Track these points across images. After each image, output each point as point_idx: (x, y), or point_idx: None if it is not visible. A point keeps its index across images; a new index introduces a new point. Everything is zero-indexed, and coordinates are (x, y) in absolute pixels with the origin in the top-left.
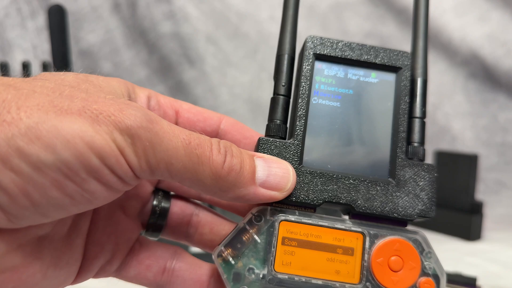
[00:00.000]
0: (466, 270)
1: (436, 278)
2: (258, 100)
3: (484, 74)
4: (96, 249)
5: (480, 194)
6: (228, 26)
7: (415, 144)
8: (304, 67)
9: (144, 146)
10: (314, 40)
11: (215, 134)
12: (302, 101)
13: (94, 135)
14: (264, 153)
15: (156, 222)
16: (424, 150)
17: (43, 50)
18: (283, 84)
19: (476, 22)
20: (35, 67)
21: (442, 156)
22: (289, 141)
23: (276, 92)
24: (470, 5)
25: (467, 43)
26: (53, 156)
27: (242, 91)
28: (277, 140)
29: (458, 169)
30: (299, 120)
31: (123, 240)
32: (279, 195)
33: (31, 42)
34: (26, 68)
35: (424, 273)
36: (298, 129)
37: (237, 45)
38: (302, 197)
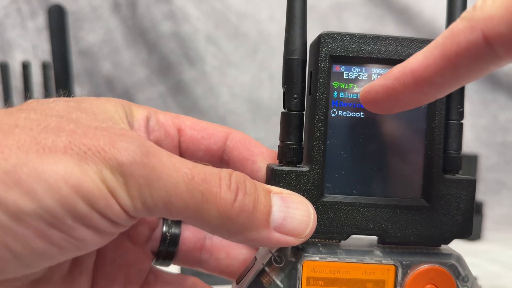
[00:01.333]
0: None
1: None
2: (258, 100)
3: None
4: (105, 283)
5: (480, 194)
6: (228, 26)
7: (452, 153)
8: (319, 72)
9: (138, 185)
10: (330, 37)
11: (221, 151)
12: (318, 117)
13: (81, 177)
14: (278, 186)
15: (167, 250)
16: (461, 159)
17: (43, 50)
18: (295, 97)
19: None
20: (35, 67)
21: None
22: (307, 169)
23: (287, 108)
24: (470, 5)
25: None
26: (34, 203)
27: (242, 91)
28: (293, 170)
29: None
30: (317, 142)
31: (134, 271)
32: (295, 241)
33: (31, 42)
34: (26, 68)
35: None
36: (316, 154)
37: (237, 45)
38: (325, 232)
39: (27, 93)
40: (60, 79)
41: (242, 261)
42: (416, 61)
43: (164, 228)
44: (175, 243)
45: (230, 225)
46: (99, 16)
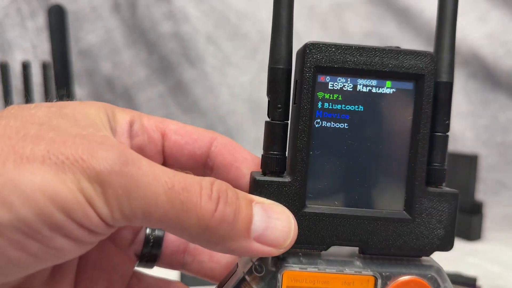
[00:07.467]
0: (466, 270)
1: None
2: (258, 100)
3: (484, 74)
4: (88, 287)
5: (480, 194)
6: (228, 26)
7: (436, 166)
8: (303, 82)
9: (116, 194)
10: (315, 48)
11: (205, 156)
12: (302, 127)
13: (58, 186)
14: (261, 196)
15: (150, 252)
16: (445, 171)
17: (43, 50)
18: (279, 106)
19: (476, 22)
20: (35, 67)
21: None
22: (289, 180)
23: (271, 117)
24: (470, 5)
25: (467, 43)
26: (10, 214)
27: (242, 91)
28: (275, 181)
29: (458, 169)
30: (300, 153)
31: (117, 275)
32: (275, 251)
33: (31, 42)
34: (26, 68)
35: None
36: (299, 165)
37: (237, 45)
38: (306, 243)
39: (27, 93)
40: (60, 79)
41: (225, 265)
42: None
43: (147, 231)
44: (159, 245)
45: (210, 235)
46: (99, 16)
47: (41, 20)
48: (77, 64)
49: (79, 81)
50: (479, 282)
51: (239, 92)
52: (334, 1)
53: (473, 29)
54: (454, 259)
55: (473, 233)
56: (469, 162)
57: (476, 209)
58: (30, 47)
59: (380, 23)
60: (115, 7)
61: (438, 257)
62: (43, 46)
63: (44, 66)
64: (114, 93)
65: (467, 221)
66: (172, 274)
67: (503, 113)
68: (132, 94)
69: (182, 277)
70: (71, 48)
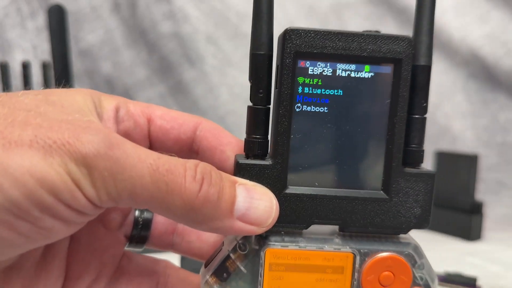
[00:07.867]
0: (466, 270)
1: (427, 287)
2: None
3: (484, 74)
4: (79, 268)
5: (480, 194)
6: (228, 26)
7: (413, 147)
8: (283, 68)
9: (102, 176)
10: (295, 34)
11: (190, 141)
12: (283, 112)
13: (46, 169)
14: (244, 178)
15: (139, 234)
16: (422, 153)
17: (43, 50)
18: (261, 92)
19: (476, 22)
20: (35, 67)
21: (442, 156)
22: (271, 163)
23: (253, 102)
24: (470, 5)
25: (467, 43)
26: (0, 196)
27: (242, 91)
28: (257, 164)
29: (458, 169)
30: (281, 137)
31: (107, 256)
32: (257, 230)
33: (31, 42)
34: (26, 68)
35: (415, 283)
36: (280, 149)
37: (237, 45)
38: (287, 222)
39: None
40: (60, 79)
41: (212, 244)
42: None
43: (136, 213)
44: (147, 227)
45: (195, 215)
46: (99, 16)
47: (41, 20)
48: (77, 64)
49: (79, 81)
50: (479, 282)
51: (239, 92)
52: (334, 0)
53: (473, 29)
54: (454, 259)
55: (473, 233)
56: (469, 162)
57: (476, 209)
58: (30, 47)
59: (380, 23)
60: (115, 7)
61: (439, 256)
62: (43, 46)
63: (44, 66)
64: (114, 93)
65: (467, 221)
66: (173, 258)
67: (503, 113)
68: (132, 94)
69: (182, 260)
70: (71, 48)
